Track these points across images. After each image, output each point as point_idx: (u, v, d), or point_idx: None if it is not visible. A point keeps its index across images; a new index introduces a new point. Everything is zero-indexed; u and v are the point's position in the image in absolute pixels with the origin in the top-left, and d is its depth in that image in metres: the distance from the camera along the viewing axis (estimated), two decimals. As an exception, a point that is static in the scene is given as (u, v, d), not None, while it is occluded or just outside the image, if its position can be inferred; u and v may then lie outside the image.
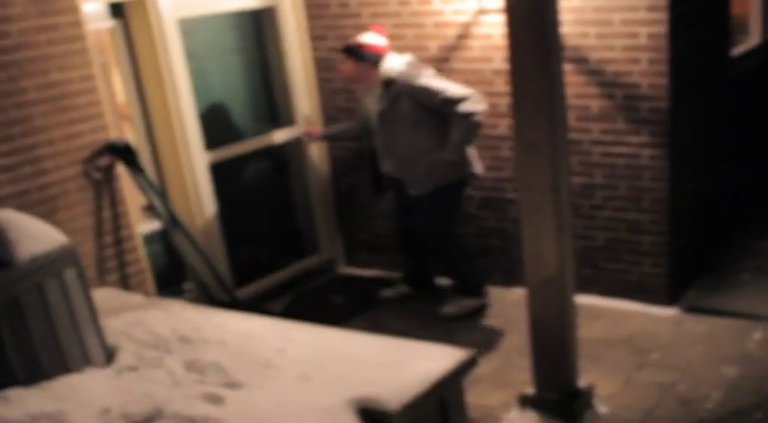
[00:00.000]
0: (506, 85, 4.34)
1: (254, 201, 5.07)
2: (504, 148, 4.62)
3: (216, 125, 4.74)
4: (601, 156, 4.39)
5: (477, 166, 4.44)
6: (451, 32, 4.58)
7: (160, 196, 4.21)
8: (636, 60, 4.11)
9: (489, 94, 4.54)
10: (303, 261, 5.26)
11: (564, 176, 3.19)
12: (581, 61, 4.25)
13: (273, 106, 5.10)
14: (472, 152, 4.38)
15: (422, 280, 4.86)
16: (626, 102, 4.22)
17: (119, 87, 4.47)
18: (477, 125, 4.19)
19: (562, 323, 3.34)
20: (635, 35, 4.07)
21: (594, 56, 4.21)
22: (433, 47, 4.65)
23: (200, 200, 4.57)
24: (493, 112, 4.56)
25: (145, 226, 4.41)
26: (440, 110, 4.20)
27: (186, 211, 4.55)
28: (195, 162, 4.52)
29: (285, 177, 5.25)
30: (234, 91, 4.89)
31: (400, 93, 4.26)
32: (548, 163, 3.11)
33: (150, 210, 4.35)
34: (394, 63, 4.30)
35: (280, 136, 5.01)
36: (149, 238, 4.42)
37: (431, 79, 4.24)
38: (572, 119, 4.32)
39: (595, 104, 4.30)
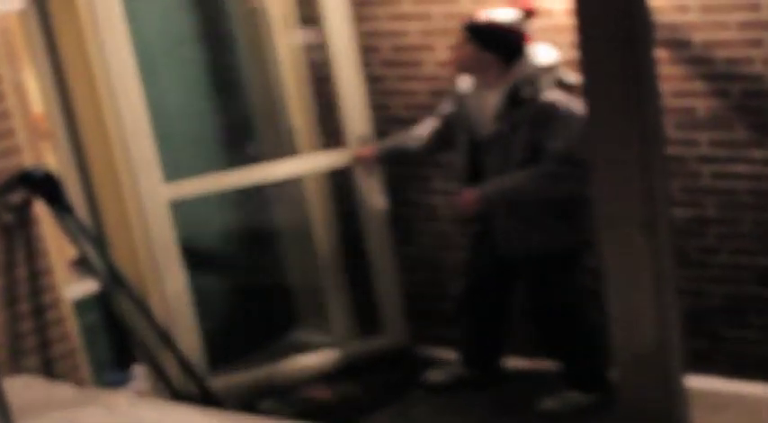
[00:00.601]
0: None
1: (243, 251, 5.14)
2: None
3: (183, 145, 4.79)
4: (713, 178, 4.38)
5: None
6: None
7: (96, 246, 4.21)
8: (758, 42, 4.11)
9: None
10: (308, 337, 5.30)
11: (662, 208, 3.11)
12: (680, 45, 4.25)
13: (281, 118, 5.14)
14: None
15: (485, 359, 4.81)
16: (745, 101, 4.21)
17: (35, 93, 4.48)
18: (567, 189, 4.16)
19: (668, 417, 3.28)
20: (755, 6, 4.07)
21: (699, 37, 4.21)
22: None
23: (155, 251, 4.57)
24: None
25: (76, 288, 4.41)
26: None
27: (134, 266, 4.56)
28: (148, 198, 4.52)
29: (290, 214, 5.32)
30: (213, 93, 4.96)
31: (528, 119, 4.19)
32: (638, 190, 3.00)
33: (83, 265, 4.35)
34: (539, 70, 4.17)
35: (301, 165, 4.97)
36: (82, 305, 4.43)
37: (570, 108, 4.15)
38: (670, 127, 4.32)
39: (702, 106, 4.30)
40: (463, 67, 4.31)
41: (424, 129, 4.68)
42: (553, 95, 4.20)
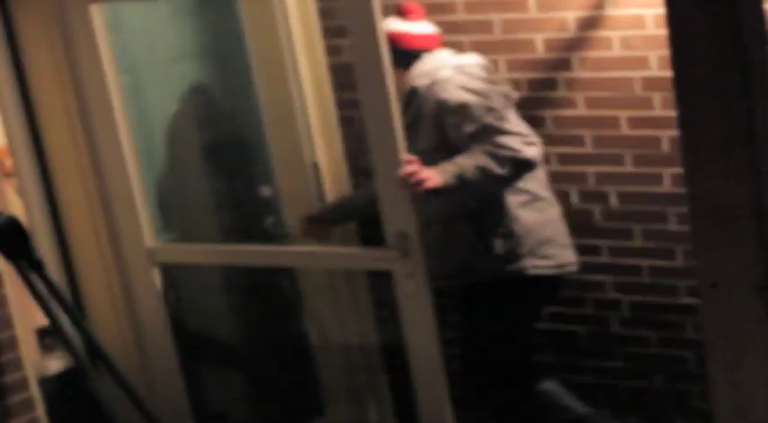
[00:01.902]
0: (670, 108, 4.22)
1: (255, 324, 5.17)
2: (672, 219, 4.55)
3: (179, 186, 4.85)
4: None
5: (562, 256, 4.41)
6: (571, 15, 4.55)
7: (71, 312, 4.13)
8: None
9: (641, 124, 4.48)
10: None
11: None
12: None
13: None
14: (545, 227, 4.37)
15: None
16: None
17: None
18: (517, 172, 4.18)
19: None
20: None
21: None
22: (540, 41, 4.63)
23: (143, 320, 4.57)
24: (649, 154, 4.49)
25: (46, 364, 4.39)
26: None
27: (117, 336, 4.54)
28: (135, 255, 4.52)
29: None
30: (217, 123, 5.02)
31: (421, 112, 4.31)
32: (751, 243, 2.84)
33: (55, 336, 4.28)
34: (434, 64, 4.32)
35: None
36: (53, 385, 4.39)
37: (473, 92, 4.22)
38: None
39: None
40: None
41: None
42: (451, 80, 4.26)
